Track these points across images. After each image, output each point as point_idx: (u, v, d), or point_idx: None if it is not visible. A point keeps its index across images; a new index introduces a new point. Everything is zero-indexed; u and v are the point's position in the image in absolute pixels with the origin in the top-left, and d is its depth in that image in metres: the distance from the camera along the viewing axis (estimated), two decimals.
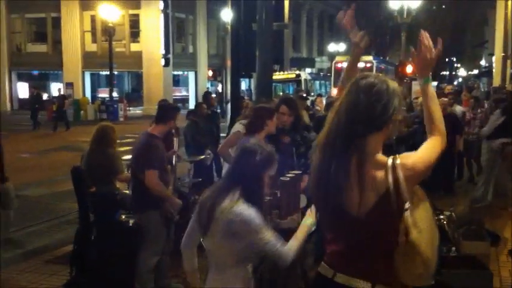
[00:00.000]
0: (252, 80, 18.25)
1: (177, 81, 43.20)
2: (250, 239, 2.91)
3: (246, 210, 2.91)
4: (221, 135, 11.28)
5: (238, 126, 6.24)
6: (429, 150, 2.41)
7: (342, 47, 51.78)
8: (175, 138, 6.85)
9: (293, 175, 4.20)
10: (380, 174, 2.30)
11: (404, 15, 28.16)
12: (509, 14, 26.23)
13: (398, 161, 2.31)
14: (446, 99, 10.98)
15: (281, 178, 4.05)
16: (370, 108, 2.34)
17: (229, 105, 13.62)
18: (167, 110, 5.67)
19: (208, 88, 39.88)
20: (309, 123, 10.79)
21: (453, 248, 5.78)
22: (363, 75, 2.45)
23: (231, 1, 9.87)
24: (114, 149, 6.43)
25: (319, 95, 17.28)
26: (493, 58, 34.30)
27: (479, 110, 11.77)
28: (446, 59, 59.73)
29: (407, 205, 2.34)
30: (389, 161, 2.32)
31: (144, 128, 6.13)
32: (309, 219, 3.12)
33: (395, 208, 2.30)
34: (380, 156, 2.36)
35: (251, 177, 3.00)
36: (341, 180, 2.34)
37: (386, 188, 2.28)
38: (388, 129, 2.39)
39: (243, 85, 23.30)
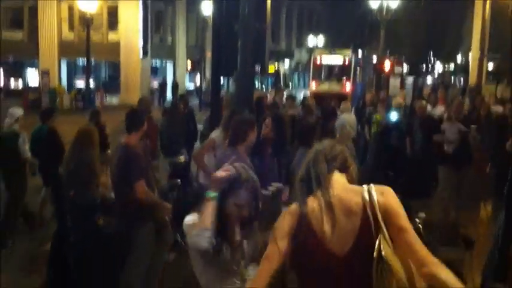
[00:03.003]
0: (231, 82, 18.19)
1: (155, 72, 42.92)
2: None
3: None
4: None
5: (215, 133, 6.25)
6: None
7: (320, 40, 51.91)
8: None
9: (274, 188, 4.23)
10: (355, 198, 2.45)
11: (384, 13, 28.36)
12: (486, 13, 26.53)
13: (371, 186, 2.48)
14: (424, 101, 11.11)
15: (262, 191, 4.07)
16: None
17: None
18: (135, 117, 5.63)
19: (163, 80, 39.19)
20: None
21: None
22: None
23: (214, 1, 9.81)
24: (95, 152, 6.37)
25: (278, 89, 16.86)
26: (470, 55, 34.70)
27: None
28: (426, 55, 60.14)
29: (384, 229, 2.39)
30: (364, 186, 2.50)
31: (121, 118, 5.97)
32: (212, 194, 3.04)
33: (373, 229, 2.37)
34: (352, 186, 2.58)
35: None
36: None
37: (363, 209, 2.40)
38: (350, 172, 2.67)
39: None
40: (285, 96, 14.03)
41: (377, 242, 2.35)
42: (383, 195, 2.43)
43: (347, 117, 10.55)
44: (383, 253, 2.32)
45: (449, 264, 5.59)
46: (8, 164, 7.67)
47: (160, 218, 5.44)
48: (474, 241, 7.49)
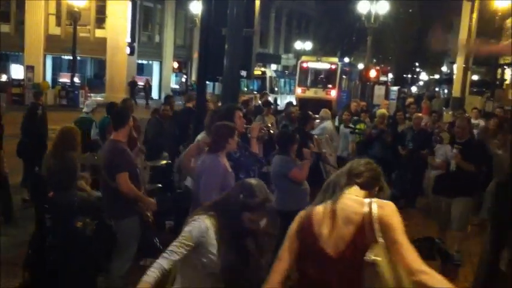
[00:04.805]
0: (217, 85, 18.24)
1: (141, 70, 42.70)
2: None
3: (198, 221, 3.18)
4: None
5: (199, 136, 6.23)
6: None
7: (308, 45, 52.06)
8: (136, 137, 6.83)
9: None
10: (357, 209, 2.69)
11: (372, 20, 28.47)
12: (473, 26, 26.74)
13: (374, 200, 2.71)
14: (421, 114, 11.22)
15: None
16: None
17: None
18: (120, 113, 5.80)
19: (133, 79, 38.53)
20: (274, 127, 10.81)
21: None
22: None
23: (202, 6, 9.78)
24: (77, 153, 6.34)
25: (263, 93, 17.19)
26: (454, 66, 34.94)
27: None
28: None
29: (379, 239, 2.61)
30: (368, 199, 2.73)
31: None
32: None
33: (367, 237, 2.61)
34: (359, 198, 2.78)
35: (229, 209, 3.21)
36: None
37: (361, 219, 2.65)
38: (374, 192, 2.85)
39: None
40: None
41: (371, 249, 2.58)
42: (383, 209, 2.66)
43: (327, 125, 10.51)
44: (374, 259, 2.56)
45: None
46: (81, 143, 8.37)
47: (144, 215, 5.48)
48: (450, 255, 7.55)
